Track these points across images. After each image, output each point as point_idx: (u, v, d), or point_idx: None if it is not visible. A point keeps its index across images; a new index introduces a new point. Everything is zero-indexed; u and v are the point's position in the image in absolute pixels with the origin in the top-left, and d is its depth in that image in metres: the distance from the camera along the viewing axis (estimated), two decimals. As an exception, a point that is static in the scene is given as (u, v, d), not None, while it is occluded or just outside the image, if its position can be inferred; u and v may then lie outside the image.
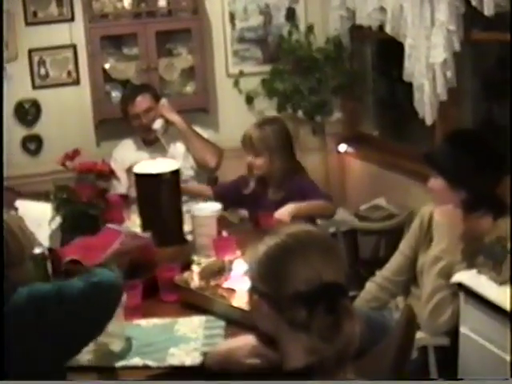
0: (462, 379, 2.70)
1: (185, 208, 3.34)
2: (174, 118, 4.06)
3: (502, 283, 2.58)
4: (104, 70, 4.49)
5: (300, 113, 4.76)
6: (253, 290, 1.70)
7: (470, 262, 2.73)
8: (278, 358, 1.73)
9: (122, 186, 3.98)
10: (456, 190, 2.79)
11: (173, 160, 3.57)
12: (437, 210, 2.88)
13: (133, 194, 3.88)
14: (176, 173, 3.24)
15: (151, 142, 4.16)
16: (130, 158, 4.06)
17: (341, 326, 1.57)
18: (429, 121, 3.72)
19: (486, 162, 2.75)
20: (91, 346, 2.25)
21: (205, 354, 2.08)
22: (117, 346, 2.32)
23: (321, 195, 3.50)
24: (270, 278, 1.65)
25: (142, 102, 4.07)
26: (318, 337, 1.57)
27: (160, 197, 3.15)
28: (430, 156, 2.93)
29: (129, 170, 4.02)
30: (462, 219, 2.76)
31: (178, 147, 4.14)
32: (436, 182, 2.86)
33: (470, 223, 2.76)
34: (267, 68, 4.82)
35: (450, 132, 3.11)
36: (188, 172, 4.05)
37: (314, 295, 1.57)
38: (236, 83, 4.84)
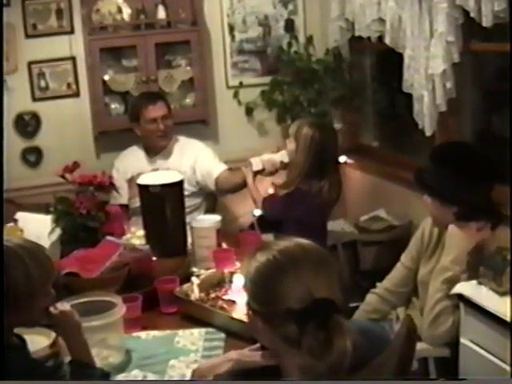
0: (464, 379, 2.68)
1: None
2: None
3: (502, 294, 2.57)
4: (103, 82, 4.50)
5: (300, 124, 4.76)
6: (248, 306, 1.70)
7: (472, 273, 2.73)
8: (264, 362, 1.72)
9: (122, 197, 3.97)
10: (447, 206, 2.79)
11: (176, 171, 3.54)
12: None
13: (133, 205, 3.89)
14: (180, 184, 3.24)
15: (155, 153, 4.14)
16: (133, 169, 4.05)
17: (332, 342, 1.54)
18: (428, 132, 3.72)
19: (471, 173, 2.72)
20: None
21: (192, 372, 2.07)
22: (116, 358, 2.31)
23: None
24: (261, 295, 1.64)
25: (162, 107, 4.07)
26: (308, 353, 1.55)
27: (164, 208, 3.16)
28: (417, 176, 2.93)
29: (131, 181, 4.01)
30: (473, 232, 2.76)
31: (185, 161, 4.11)
32: (428, 199, 2.86)
33: (470, 233, 2.75)
34: (267, 79, 4.84)
35: (433, 150, 3.06)
36: (190, 188, 4.03)
37: (305, 312, 1.55)
38: (235, 95, 4.85)
